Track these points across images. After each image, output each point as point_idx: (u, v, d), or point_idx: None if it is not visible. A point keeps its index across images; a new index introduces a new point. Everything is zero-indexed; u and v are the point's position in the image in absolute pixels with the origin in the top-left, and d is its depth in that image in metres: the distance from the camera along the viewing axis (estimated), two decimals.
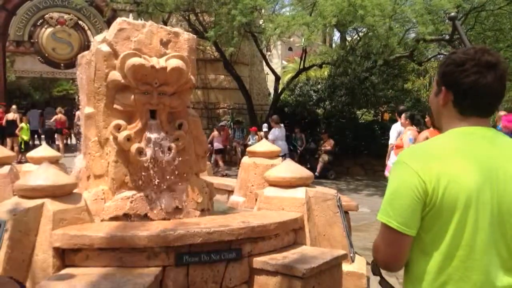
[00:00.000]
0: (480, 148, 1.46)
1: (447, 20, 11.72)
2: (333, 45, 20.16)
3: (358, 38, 15.45)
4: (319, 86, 17.02)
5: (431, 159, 1.43)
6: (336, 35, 19.71)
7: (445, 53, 14.49)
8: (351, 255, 4.34)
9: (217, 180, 6.37)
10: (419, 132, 7.05)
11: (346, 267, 4.04)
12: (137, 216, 3.83)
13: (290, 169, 4.45)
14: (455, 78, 1.50)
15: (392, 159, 7.73)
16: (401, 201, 1.44)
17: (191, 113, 4.39)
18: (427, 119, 7.06)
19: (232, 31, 12.73)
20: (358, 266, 4.28)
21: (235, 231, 3.43)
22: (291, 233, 3.98)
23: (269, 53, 27.21)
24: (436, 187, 1.40)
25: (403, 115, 7.86)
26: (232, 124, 15.83)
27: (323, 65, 16.64)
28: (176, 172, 4.05)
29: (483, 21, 12.52)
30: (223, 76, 17.46)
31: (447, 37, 12.40)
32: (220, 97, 17.89)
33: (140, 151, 3.85)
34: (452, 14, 8.74)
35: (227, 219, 3.80)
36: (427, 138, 6.34)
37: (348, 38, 16.62)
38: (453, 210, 1.40)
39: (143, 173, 3.89)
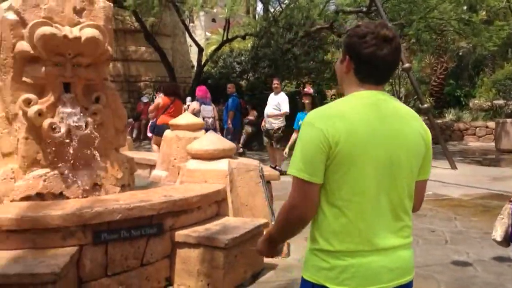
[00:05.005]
0: (374, 109, 1.65)
1: None
2: (257, 17, 20.10)
3: (281, 9, 15.49)
4: (242, 58, 16.92)
5: (333, 118, 1.60)
6: (259, 6, 19.66)
7: None
8: (273, 223, 4.45)
9: (138, 155, 6.23)
10: None
11: None
12: (51, 195, 3.65)
13: (212, 141, 4.44)
14: (357, 49, 1.66)
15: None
16: (309, 155, 1.59)
17: (109, 86, 4.21)
18: None
19: (152, 0, 12.28)
20: None
21: (156, 206, 3.39)
22: (214, 205, 4.01)
23: (192, 24, 26.69)
24: (337, 141, 1.56)
25: None
26: (154, 98, 15.37)
27: (247, 37, 16.57)
28: (94, 148, 3.89)
29: None
30: (144, 47, 16.78)
31: (364, 9, 12.77)
32: (141, 69, 17.21)
33: (53, 127, 3.64)
34: None
35: (148, 194, 3.73)
36: None
37: (271, 10, 16.62)
38: (350, 161, 1.58)
39: (57, 150, 3.70)
